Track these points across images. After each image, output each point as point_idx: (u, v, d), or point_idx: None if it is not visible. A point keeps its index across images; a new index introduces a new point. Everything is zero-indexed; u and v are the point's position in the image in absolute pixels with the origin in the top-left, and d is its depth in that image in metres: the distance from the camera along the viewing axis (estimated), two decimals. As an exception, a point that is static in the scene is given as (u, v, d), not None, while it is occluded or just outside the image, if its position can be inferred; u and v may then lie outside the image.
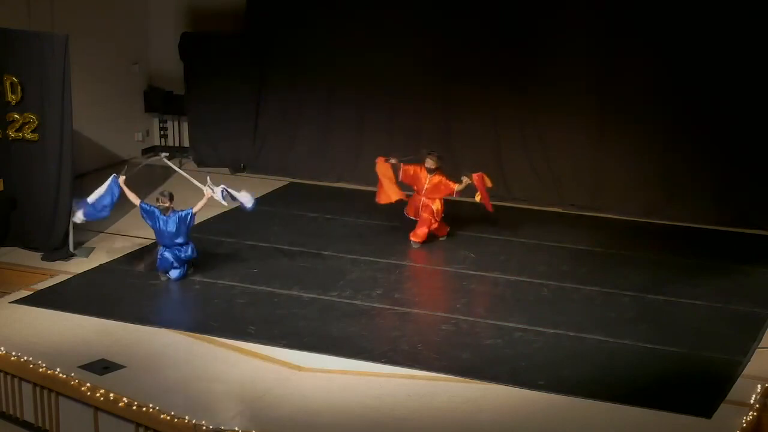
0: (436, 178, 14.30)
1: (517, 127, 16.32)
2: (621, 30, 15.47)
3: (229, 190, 13.30)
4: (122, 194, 13.31)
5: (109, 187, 13.27)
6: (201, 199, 13.20)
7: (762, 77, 14.86)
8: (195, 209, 13.15)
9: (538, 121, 16.18)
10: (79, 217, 13.24)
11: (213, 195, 13.18)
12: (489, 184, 14.28)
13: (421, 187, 14.38)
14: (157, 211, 13.07)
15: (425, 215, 14.33)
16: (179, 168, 14.51)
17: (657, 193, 15.65)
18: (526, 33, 15.99)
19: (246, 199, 13.41)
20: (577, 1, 15.74)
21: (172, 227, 13.02)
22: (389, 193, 14.44)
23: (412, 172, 14.42)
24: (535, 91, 16.06)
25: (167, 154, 14.23)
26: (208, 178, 13.42)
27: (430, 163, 14.29)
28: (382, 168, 14.46)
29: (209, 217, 15.48)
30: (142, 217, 13.22)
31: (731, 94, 15.02)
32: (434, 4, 16.44)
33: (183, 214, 13.04)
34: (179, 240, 13.05)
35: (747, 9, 14.81)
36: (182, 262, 13.11)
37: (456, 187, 14.26)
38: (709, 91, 15.12)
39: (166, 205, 13.07)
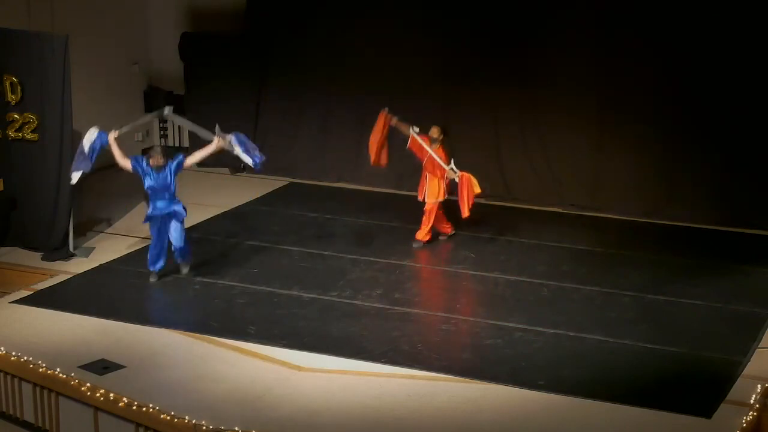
0: (438, 152, 14.04)
1: (517, 127, 16.32)
2: (621, 30, 15.47)
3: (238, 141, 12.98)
4: (107, 150, 12.94)
5: (97, 137, 12.79)
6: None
7: (762, 78, 14.87)
8: (191, 160, 12.98)
9: (538, 121, 16.19)
10: (74, 176, 12.94)
11: (223, 143, 12.91)
12: (477, 189, 13.89)
13: (423, 156, 14.19)
14: (150, 170, 12.78)
15: (425, 216, 14.28)
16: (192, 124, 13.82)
17: (657, 193, 15.65)
18: (526, 33, 16.00)
19: (251, 157, 13.05)
20: (578, 1, 15.74)
21: (165, 180, 12.79)
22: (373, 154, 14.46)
23: (419, 142, 14.17)
24: (535, 92, 16.06)
25: (172, 107, 13.76)
26: (217, 126, 13.09)
27: (433, 131, 14.07)
28: (380, 123, 14.36)
29: (209, 217, 15.51)
30: (135, 171, 12.86)
31: (731, 94, 15.02)
32: (434, 4, 16.45)
33: (175, 163, 12.84)
34: (172, 190, 12.83)
35: (747, 9, 14.81)
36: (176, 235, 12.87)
37: (447, 173, 13.98)
38: (709, 92, 15.12)
39: (161, 163, 12.79)
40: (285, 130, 17.67)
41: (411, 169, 16.83)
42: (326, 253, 14.06)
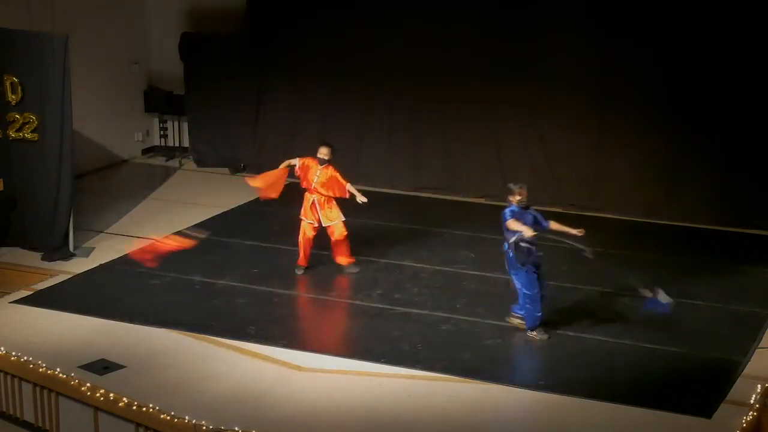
0: (329, 172, 13.19)
1: (517, 127, 16.32)
2: (621, 31, 15.47)
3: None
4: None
5: None
6: None
7: (762, 78, 14.87)
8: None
9: (538, 121, 16.19)
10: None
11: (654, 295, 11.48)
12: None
13: (310, 181, 13.24)
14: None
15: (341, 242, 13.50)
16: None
17: (657, 193, 15.65)
18: (526, 33, 15.99)
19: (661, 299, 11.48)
20: (579, 3, 15.74)
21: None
22: (270, 186, 13.49)
23: (305, 164, 13.29)
24: (535, 92, 16.06)
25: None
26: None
27: (323, 152, 13.12)
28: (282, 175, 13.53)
29: (209, 217, 15.51)
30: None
31: (731, 94, 15.03)
32: (434, 5, 16.44)
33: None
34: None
35: (746, 9, 14.81)
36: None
37: (348, 185, 13.16)
38: (709, 92, 15.12)
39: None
40: (285, 130, 17.66)
41: (410, 168, 16.88)
42: (326, 253, 14.04)
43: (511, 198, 11.49)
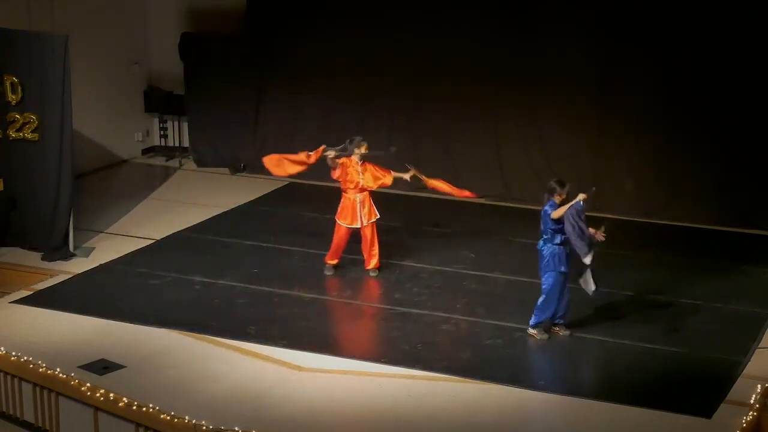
0: (368, 167, 13.22)
1: (517, 127, 16.32)
2: (621, 31, 15.46)
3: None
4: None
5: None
6: None
7: (762, 77, 14.87)
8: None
9: (538, 121, 16.18)
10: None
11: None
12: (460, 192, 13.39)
13: (357, 181, 13.17)
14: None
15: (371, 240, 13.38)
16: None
17: (657, 193, 15.65)
18: (526, 33, 15.99)
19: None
20: (578, 3, 15.75)
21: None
22: (286, 167, 13.60)
23: (343, 165, 13.26)
24: (535, 92, 16.06)
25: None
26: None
27: (365, 147, 13.19)
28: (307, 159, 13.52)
29: (209, 217, 15.50)
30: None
31: (731, 94, 15.02)
32: (434, 5, 16.44)
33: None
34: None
35: (746, 9, 14.81)
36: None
37: (394, 173, 13.22)
38: (709, 92, 15.12)
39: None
40: (285, 130, 17.67)
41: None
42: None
43: (555, 196, 11.48)
